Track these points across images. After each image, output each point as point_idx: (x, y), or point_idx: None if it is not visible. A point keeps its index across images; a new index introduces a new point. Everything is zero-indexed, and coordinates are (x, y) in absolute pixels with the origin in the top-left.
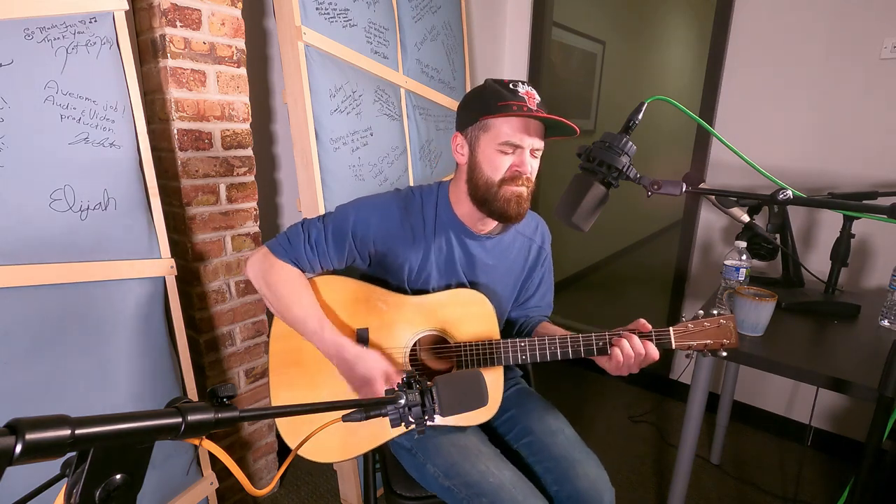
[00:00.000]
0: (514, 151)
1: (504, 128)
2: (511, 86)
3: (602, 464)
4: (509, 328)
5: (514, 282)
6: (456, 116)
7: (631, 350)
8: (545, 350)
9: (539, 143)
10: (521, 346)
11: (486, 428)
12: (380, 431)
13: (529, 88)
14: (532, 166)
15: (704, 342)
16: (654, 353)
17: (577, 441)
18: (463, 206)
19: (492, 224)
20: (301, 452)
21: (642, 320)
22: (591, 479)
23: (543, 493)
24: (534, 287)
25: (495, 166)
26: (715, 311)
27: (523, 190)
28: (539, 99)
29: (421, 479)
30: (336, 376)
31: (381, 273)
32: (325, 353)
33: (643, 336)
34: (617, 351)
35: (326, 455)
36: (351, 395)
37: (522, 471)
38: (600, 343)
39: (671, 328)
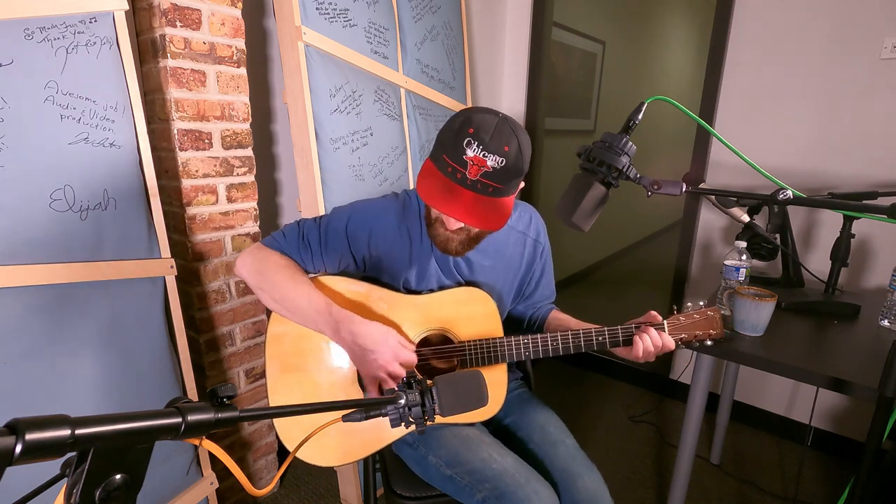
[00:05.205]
0: None
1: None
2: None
3: (602, 464)
4: (518, 322)
5: (513, 277)
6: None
7: (651, 343)
8: (548, 346)
9: None
10: (524, 342)
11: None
12: (380, 435)
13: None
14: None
15: (695, 333)
16: (671, 343)
17: (578, 453)
18: None
19: None
20: (301, 455)
21: (653, 312)
22: (591, 493)
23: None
24: (535, 281)
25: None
26: (701, 303)
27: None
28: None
29: (422, 471)
30: (337, 381)
31: (377, 275)
32: (331, 333)
33: (656, 326)
34: (639, 342)
35: (326, 458)
36: (353, 397)
37: None
38: (600, 338)
39: (665, 321)
